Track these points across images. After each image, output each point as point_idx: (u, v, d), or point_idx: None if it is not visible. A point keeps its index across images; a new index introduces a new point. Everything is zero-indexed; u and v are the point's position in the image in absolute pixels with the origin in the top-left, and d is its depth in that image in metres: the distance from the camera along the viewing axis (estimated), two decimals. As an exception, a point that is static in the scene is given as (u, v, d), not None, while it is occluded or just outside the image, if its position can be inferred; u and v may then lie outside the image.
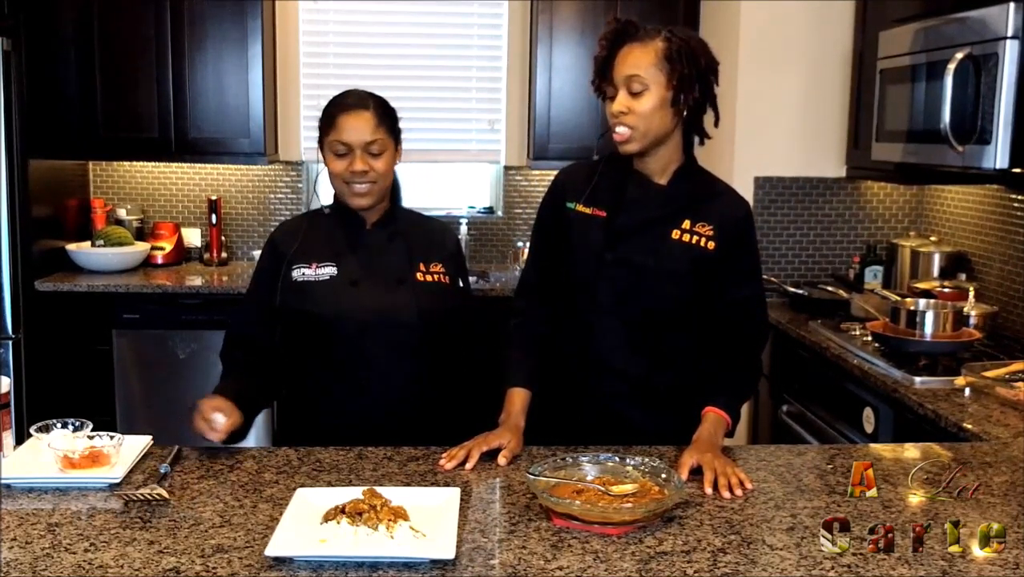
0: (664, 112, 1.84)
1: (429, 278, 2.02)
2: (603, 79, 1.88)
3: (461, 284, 2.11)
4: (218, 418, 1.78)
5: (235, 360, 2.05)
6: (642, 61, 1.82)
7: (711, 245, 1.90)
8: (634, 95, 1.83)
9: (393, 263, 2.02)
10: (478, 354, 2.10)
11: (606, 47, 1.87)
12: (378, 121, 1.98)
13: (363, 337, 1.95)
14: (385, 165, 1.99)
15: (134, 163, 4.38)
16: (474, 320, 2.12)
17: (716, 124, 1.94)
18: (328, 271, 1.99)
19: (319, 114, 2.03)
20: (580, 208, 1.96)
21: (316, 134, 2.06)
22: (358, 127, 1.96)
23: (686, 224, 1.91)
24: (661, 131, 1.86)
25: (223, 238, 4.35)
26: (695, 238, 1.90)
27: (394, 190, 2.09)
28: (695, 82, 1.84)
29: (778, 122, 3.67)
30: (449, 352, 2.04)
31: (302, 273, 1.99)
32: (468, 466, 1.73)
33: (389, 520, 1.40)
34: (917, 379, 2.46)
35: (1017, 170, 2.45)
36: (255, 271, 2.11)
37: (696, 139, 1.96)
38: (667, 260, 1.90)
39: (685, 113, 1.86)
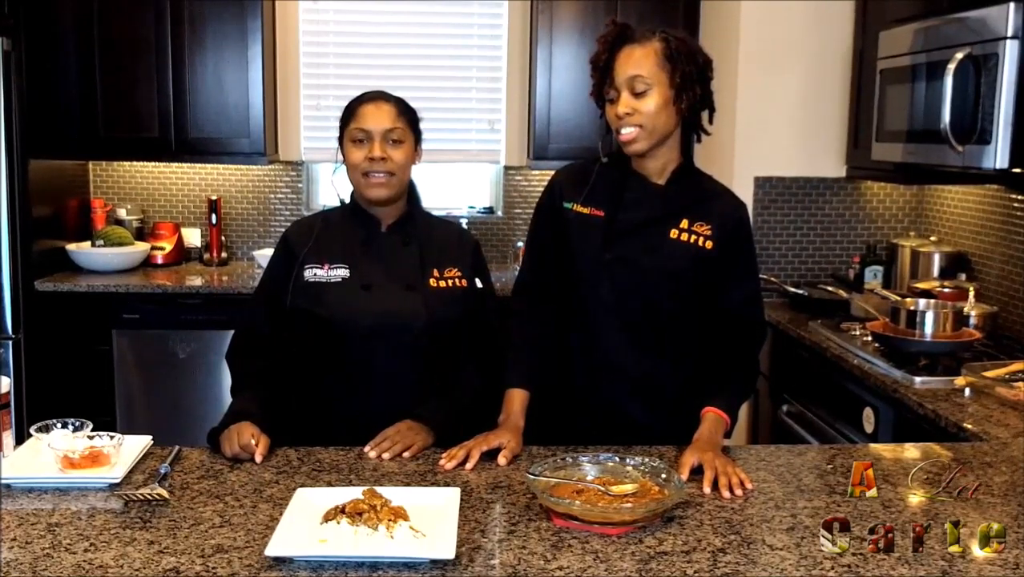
0: (668, 111, 1.86)
1: (443, 284, 2.01)
2: (604, 82, 1.88)
3: (480, 285, 2.08)
4: (252, 445, 1.76)
5: (248, 370, 2.00)
6: (644, 62, 1.84)
7: (709, 244, 1.91)
8: (638, 96, 1.84)
9: (406, 267, 2.00)
10: (494, 353, 2.05)
11: (606, 50, 1.87)
12: (399, 112, 2.00)
13: (371, 341, 1.94)
14: (403, 157, 1.99)
15: (134, 163, 4.38)
16: (494, 322, 2.09)
17: (711, 120, 1.96)
18: (340, 273, 1.98)
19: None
20: (578, 208, 1.97)
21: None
22: (378, 115, 1.98)
23: (684, 224, 1.92)
24: (665, 130, 1.88)
25: (223, 238, 4.35)
26: (693, 237, 1.91)
27: (412, 195, 2.09)
28: (696, 80, 1.86)
29: (778, 122, 3.67)
30: (457, 359, 2.03)
31: (314, 273, 1.98)
32: (468, 466, 1.73)
33: (389, 520, 1.40)
34: (917, 379, 2.46)
35: (1017, 170, 2.45)
36: (267, 269, 2.10)
37: (695, 139, 1.98)
38: (666, 259, 1.91)
39: (685, 112, 1.88)
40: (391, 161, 1.97)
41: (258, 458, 1.75)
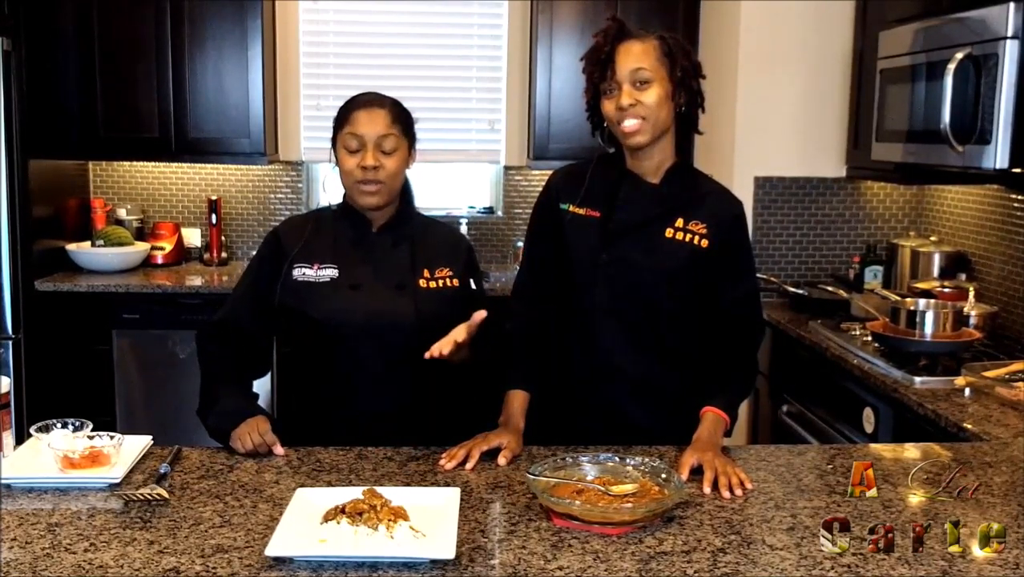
0: (668, 105, 1.87)
1: (433, 284, 1.99)
2: (604, 77, 1.88)
3: (474, 286, 2.07)
4: (275, 440, 1.81)
5: (228, 364, 2.00)
6: (645, 56, 1.85)
7: (704, 243, 1.91)
8: (640, 88, 1.84)
9: (396, 268, 1.99)
10: (485, 355, 2.06)
11: (607, 43, 1.88)
12: (393, 119, 1.96)
13: (360, 341, 1.93)
14: (396, 165, 1.96)
15: (134, 163, 4.38)
16: (489, 323, 2.09)
17: (698, 124, 1.97)
18: (329, 273, 1.97)
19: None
20: (574, 209, 1.97)
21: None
22: (371, 121, 1.94)
23: (679, 223, 1.92)
24: (665, 124, 1.89)
25: (223, 238, 4.35)
26: (689, 236, 1.91)
27: (406, 194, 2.07)
28: (692, 76, 1.88)
29: (778, 122, 3.67)
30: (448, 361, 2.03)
31: (303, 273, 1.97)
32: (468, 466, 1.74)
33: (389, 520, 1.40)
34: (917, 379, 2.46)
35: (1017, 170, 2.45)
36: (254, 261, 2.08)
37: (694, 138, 1.98)
38: (662, 259, 1.91)
39: (683, 106, 1.89)
40: (383, 170, 1.93)
41: (280, 451, 1.79)
